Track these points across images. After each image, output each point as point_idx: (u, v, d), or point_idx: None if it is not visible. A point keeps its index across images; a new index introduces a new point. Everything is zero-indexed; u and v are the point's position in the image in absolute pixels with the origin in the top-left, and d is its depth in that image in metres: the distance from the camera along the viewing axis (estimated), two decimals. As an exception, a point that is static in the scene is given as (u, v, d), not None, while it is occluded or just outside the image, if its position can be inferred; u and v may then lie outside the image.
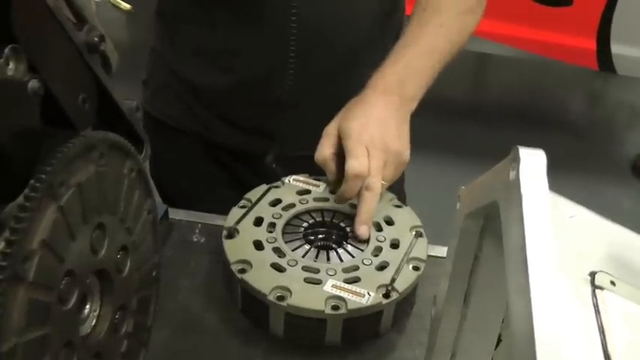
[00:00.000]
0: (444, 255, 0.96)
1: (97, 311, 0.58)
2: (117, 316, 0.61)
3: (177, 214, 1.00)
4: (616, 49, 2.56)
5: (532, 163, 0.37)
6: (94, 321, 0.58)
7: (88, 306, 0.57)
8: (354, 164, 0.87)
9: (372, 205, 0.87)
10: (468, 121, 3.37)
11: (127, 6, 3.86)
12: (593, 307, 0.34)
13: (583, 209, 0.40)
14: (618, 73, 2.62)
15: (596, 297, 0.34)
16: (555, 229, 0.34)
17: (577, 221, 0.39)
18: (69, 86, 0.54)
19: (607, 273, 0.36)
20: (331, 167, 0.92)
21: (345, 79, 1.07)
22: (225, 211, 0.91)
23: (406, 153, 0.92)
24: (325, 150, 0.92)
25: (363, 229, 0.87)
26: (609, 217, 0.41)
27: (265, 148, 1.15)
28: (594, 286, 0.35)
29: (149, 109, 1.18)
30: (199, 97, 1.13)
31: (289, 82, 1.06)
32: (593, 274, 0.35)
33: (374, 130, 0.89)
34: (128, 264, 0.61)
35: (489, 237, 0.53)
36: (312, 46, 1.03)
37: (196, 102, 1.13)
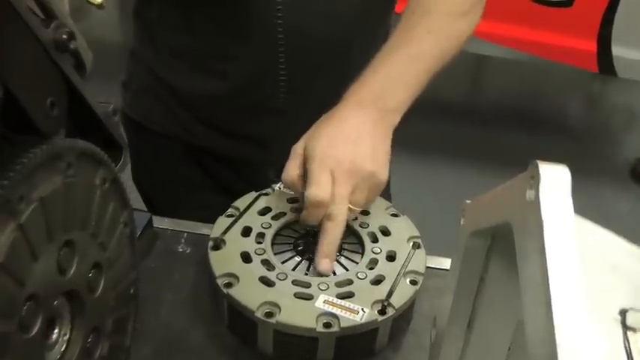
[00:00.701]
0: (442, 267, 0.92)
1: (67, 335, 0.53)
2: (90, 339, 0.56)
3: (161, 223, 0.95)
4: (617, 51, 2.51)
5: (554, 181, 0.32)
6: (64, 346, 0.53)
7: (56, 330, 0.52)
8: (314, 191, 0.79)
9: (333, 236, 0.79)
10: (464, 123, 3.32)
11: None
12: (625, 353, 0.29)
13: (607, 232, 0.35)
14: (619, 76, 2.57)
15: (628, 340, 0.30)
16: (580, 259, 0.29)
17: (602, 247, 0.34)
18: (34, 88, 0.49)
19: (639, 311, 0.31)
20: (298, 190, 0.85)
21: (337, 77, 1.01)
22: (210, 218, 0.86)
23: (382, 173, 0.83)
24: (292, 171, 0.84)
25: (323, 265, 0.79)
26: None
27: (252, 153, 1.09)
28: (626, 327, 0.30)
29: (129, 112, 1.13)
30: (182, 101, 1.07)
31: (281, 86, 1.01)
32: (623, 313, 0.31)
33: (342, 150, 0.80)
34: (102, 283, 0.56)
35: (496, 257, 0.48)
36: (300, 45, 0.98)
37: (179, 106, 1.08)
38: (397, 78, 0.87)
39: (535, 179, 0.33)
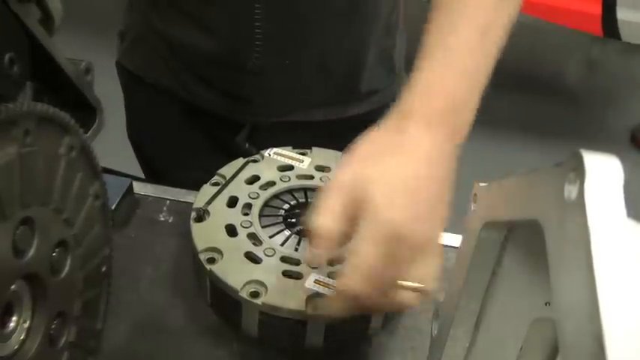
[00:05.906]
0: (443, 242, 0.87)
1: (28, 323, 0.48)
2: (54, 326, 0.50)
3: (143, 189, 0.88)
4: (622, 14, 2.43)
5: (603, 177, 0.26)
6: (23, 335, 0.47)
7: (14, 318, 0.47)
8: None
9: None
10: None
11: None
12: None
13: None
14: (623, 40, 2.49)
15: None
16: (636, 277, 0.24)
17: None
18: (-13, 44, 0.43)
19: None
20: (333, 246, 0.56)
21: (318, 42, 0.94)
22: (204, 179, 0.81)
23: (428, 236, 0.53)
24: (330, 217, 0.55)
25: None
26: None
27: (244, 113, 1.02)
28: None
29: (126, 63, 1.06)
30: (176, 54, 1.00)
31: (257, 37, 0.92)
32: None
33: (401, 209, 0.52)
34: (68, 263, 0.51)
35: (513, 248, 0.42)
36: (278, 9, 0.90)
37: (173, 58, 1.00)
38: (468, 81, 0.62)
39: (577, 173, 0.27)
